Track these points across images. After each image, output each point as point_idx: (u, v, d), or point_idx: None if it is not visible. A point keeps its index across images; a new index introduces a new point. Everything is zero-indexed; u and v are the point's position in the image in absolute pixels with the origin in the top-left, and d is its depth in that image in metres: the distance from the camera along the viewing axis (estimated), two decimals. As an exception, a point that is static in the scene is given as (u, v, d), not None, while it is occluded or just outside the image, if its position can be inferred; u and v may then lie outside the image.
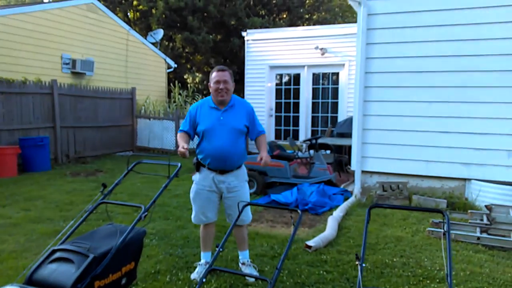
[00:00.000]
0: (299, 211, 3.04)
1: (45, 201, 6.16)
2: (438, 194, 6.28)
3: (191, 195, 3.60)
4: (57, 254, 2.63)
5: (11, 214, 5.43)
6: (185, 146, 3.28)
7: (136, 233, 2.93)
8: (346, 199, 6.40)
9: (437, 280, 3.54)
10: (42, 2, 14.21)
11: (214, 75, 3.41)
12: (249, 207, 3.55)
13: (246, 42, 12.31)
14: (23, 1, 24.80)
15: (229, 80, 3.40)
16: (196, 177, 3.58)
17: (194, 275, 3.55)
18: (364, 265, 2.22)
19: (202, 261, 3.68)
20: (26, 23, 10.39)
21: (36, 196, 6.47)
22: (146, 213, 2.91)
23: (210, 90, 3.47)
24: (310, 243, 4.25)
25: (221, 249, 2.74)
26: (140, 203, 3.14)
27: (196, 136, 3.59)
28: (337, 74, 11.43)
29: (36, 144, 8.81)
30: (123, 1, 19.00)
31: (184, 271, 3.68)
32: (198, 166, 3.53)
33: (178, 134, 3.56)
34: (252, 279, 3.44)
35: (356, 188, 6.71)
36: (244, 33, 12.37)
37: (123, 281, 2.80)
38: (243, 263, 3.68)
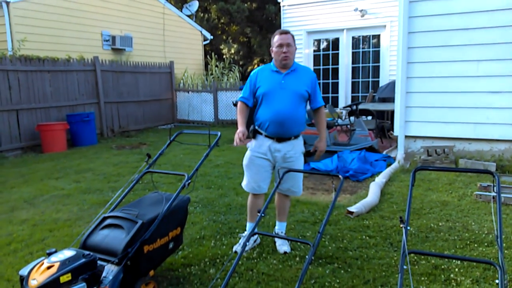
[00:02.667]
0: (340, 176, 3.00)
1: (94, 173, 6.46)
2: (486, 157, 6.02)
3: (245, 161, 3.49)
4: (108, 221, 2.76)
5: (64, 186, 5.75)
6: (243, 136, 3.20)
7: (181, 200, 3.01)
8: (388, 165, 6.27)
9: (485, 244, 3.44)
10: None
11: (276, 38, 3.30)
12: (301, 180, 3.51)
13: (282, 8, 12.03)
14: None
15: (292, 43, 3.29)
16: (251, 144, 3.46)
17: (236, 247, 3.48)
18: (408, 228, 2.18)
19: (247, 232, 3.60)
20: (67, 2, 10.65)
21: (85, 169, 6.80)
22: (189, 181, 2.98)
23: (272, 55, 3.36)
24: (352, 209, 4.22)
25: (263, 215, 2.76)
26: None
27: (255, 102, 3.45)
28: (378, 36, 10.99)
29: (83, 120, 9.19)
30: (157, -26, 18.98)
31: (228, 236, 3.78)
32: (254, 133, 3.45)
33: (238, 106, 3.45)
34: (288, 249, 3.43)
35: (399, 154, 6.54)
36: (279, -1, 12.09)
37: (171, 246, 2.92)
38: (276, 234, 3.62)
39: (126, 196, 3.16)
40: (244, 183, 3.56)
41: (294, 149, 3.40)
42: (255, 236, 3.55)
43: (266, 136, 3.37)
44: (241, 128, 3.30)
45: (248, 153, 3.48)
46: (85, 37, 11.24)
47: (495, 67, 5.88)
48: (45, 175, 6.40)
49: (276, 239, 3.59)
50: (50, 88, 9.14)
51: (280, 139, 3.34)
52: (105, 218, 2.80)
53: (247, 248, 3.46)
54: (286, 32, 3.31)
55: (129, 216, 2.71)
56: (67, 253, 2.37)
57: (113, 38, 11.89)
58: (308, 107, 3.56)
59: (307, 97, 3.39)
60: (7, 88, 8.27)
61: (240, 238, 3.68)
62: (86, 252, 2.39)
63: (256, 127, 3.43)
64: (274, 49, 3.32)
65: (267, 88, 3.30)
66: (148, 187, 5.35)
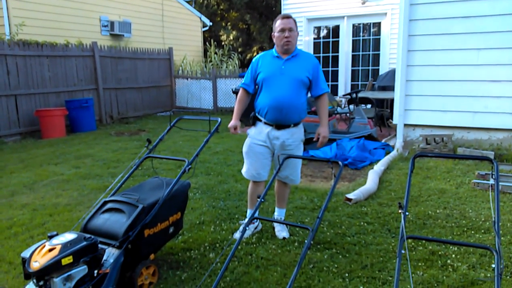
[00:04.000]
0: (340, 162, 3.01)
1: (93, 159, 6.47)
2: (485, 146, 6.05)
3: (244, 149, 3.49)
4: (109, 205, 2.78)
5: (63, 171, 5.76)
6: (237, 128, 3.33)
7: (181, 185, 3.03)
8: (387, 153, 6.29)
9: (482, 231, 3.48)
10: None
11: (278, 23, 3.26)
12: (300, 169, 3.52)
13: (282, -6, 11.92)
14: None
15: (294, 28, 3.24)
16: (251, 131, 3.45)
17: (236, 234, 3.51)
18: (407, 213, 2.20)
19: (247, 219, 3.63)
20: (64, -14, 10.53)
21: (84, 155, 6.80)
22: (189, 166, 2.99)
23: (274, 40, 3.32)
24: (350, 196, 4.25)
25: (262, 200, 2.78)
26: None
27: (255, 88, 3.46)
28: (379, 24, 10.92)
29: (82, 106, 9.16)
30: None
31: (227, 222, 3.81)
32: (254, 120, 3.43)
33: (239, 94, 3.46)
34: (287, 235, 3.47)
35: (398, 142, 6.56)
36: (280, -15, 11.96)
37: (171, 230, 2.94)
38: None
39: (126, 180, 3.18)
40: (244, 170, 3.56)
41: (293, 137, 3.38)
42: (256, 223, 3.57)
43: (265, 123, 3.35)
44: (233, 122, 3.37)
45: (247, 140, 3.48)
46: (84, 22, 11.13)
47: (495, 55, 5.87)
48: (45, 161, 6.41)
49: (275, 225, 3.62)
50: (48, 73, 9.09)
51: (279, 126, 3.32)
52: (105, 202, 2.82)
53: (247, 234, 3.48)
54: (288, 17, 3.27)
55: (130, 200, 2.73)
56: (69, 236, 2.38)
57: (112, 23, 11.79)
58: (309, 94, 3.53)
59: (308, 84, 3.34)
60: (5, 73, 8.23)
61: (240, 225, 3.69)
62: (87, 235, 2.41)
63: (256, 114, 3.42)
64: (275, 34, 3.28)
65: (267, 74, 3.28)
66: (148, 173, 5.37)
